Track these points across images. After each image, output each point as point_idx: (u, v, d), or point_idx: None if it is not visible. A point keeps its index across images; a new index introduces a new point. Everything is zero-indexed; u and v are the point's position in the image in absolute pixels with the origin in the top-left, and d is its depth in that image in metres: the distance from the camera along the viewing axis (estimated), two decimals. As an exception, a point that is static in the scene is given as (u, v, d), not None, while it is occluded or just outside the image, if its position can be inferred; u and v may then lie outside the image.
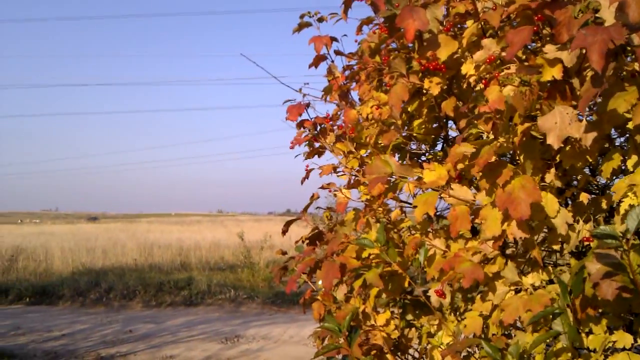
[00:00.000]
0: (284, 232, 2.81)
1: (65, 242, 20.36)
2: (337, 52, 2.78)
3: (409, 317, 2.44)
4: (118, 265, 16.44)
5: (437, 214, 2.64)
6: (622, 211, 1.51)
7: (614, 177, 1.81)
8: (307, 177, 2.69)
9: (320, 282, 2.61)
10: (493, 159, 1.65)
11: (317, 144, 2.73)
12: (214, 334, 9.10)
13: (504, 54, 1.65)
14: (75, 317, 10.87)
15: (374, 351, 2.36)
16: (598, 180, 2.09)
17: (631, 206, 1.45)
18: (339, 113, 2.76)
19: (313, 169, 2.61)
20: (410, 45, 2.03)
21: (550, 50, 1.45)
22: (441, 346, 2.04)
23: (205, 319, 10.59)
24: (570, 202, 1.89)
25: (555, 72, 1.46)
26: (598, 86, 1.31)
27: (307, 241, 2.71)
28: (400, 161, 2.51)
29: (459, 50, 1.90)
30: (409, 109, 2.21)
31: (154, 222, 48.05)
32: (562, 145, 1.48)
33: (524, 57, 1.68)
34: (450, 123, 2.42)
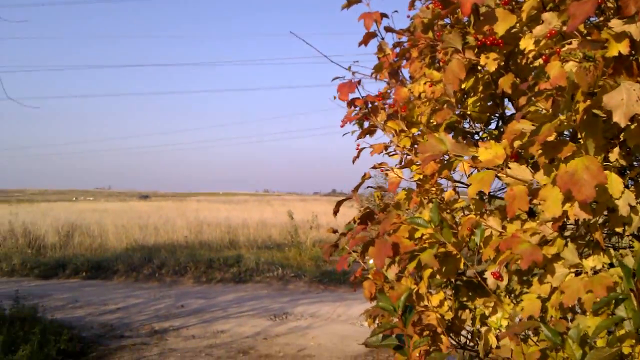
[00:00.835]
0: (335, 212, 2.80)
1: (119, 219, 21.02)
2: (388, 29, 2.73)
3: (463, 298, 2.41)
4: (169, 242, 16.89)
5: (491, 194, 2.58)
6: None
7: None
8: (358, 156, 2.67)
9: (371, 261, 2.61)
10: (553, 136, 1.59)
11: (367, 123, 2.71)
12: (262, 310, 9.27)
13: (565, 28, 1.58)
14: (129, 292, 11.26)
15: (427, 331, 2.35)
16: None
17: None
18: (389, 91, 2.72)
19: (364, 148, 2.59)
20: (466, 19, 1.97)
21: (616, 24, 1.38)
22: (500, 328, 2.01)
23: (254, 295, 10.79)
24: (632, 183, 1.81)
25: (622, 47, 1.39)
26: None
27: (358, 221, 2.70)
28: (454, 139, 2.47)
29: (517, 24, 1.83)
30: (463, 87, 2.16)
31: (202, 200, 49.04)
32: (629, 124, 1.42)
33: (585, 31, 1.61)
34: (506, 102, 2.35)
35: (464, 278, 2.39)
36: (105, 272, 13.38)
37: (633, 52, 1.45)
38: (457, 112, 2.36)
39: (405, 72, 2.70)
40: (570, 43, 1.52)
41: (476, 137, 2.55)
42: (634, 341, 1.55)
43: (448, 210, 2.37)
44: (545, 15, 1.60)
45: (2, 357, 5.89)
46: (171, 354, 6.74)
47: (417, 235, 2.22)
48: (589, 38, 1.51)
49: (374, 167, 2.48)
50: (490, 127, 2.55)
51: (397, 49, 2.70)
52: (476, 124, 2.50)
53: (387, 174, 2.42)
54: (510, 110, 2.38)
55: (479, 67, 2.08)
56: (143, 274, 13.07)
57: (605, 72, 1.45)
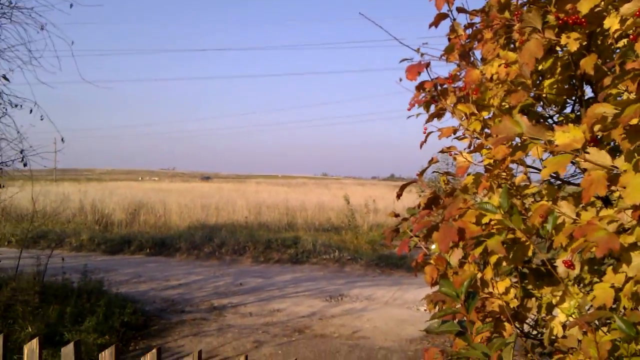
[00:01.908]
0: (399, 195, 2.78)
1: (182, 199, 21.65)
2: (460, 9, 2.66)
3: (529, 286, 2.35)
4: (230, 222, 17.28)
5: (564, 180, 2.50)
6: None
7: None
8: (425, 140, 2.64)
9: (434, 246, 2.58)
10: (637, 120, 1.52)
11: (433, 107, 2.66)
12: (318, 291, 9.36)
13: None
14: (190, 269, 11.61)
15: (490, 318, 2.31)
16: None
17: None
18: (458, 73, 2.66)
19: (432, 132, 2.55)
20: (547, -2, 1.90)
21: None
22: (572, 316, 1.95)
23: (310, 276, 10.90)
24: None
25: None
26: None
27: (423, 205, 2.67)
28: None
29: (602, 3, 1.75)
30: (539, 68, 2.08)
31: (262, 182, 49.80)
32: None
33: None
34: (586, 86, 2.26)
35: (532, 266, 2.33)
36: (168, 250, 13.84)
37: None
38: (532, 95, 2.28)
39: (477, 54, 2.63)
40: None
41: (550, 121, 2.47)
42: None
43: (518, 196, 2.31)
44: (637, -9, 1.52)
45: (70, 327, 6.21)
46: (229, 330, 6.93)
47: (485, 220, 2.18)
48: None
49: (442, 151, 2.44)
50: (565, 110, 2.46)
51: (469, 30, 2.63)
52: (551, 108, 2.42)
53: (455, 158, 2.38)
54: (588, 94, 2.28)
55: (558, 48, 2.01)
56: (204, 252, 13.44)
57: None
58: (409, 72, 2.42)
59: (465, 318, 1.89)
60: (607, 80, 1.59)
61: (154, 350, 2.46)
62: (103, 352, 2.51)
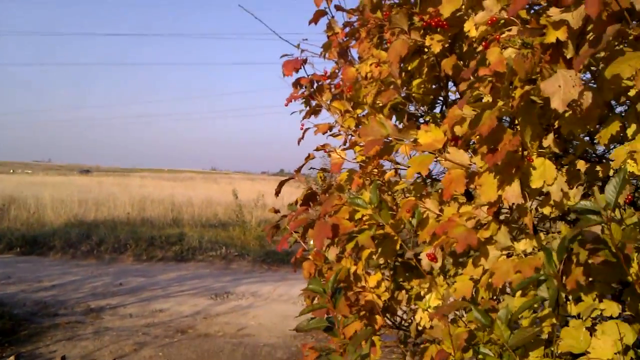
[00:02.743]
0: (277, 192, 2.78)
1: (58, 193, 20.32)
2: (338, 7, 2.70)
3: (400, 279, 2.44)
4: (110, 218, 16.45)
5: (433, 177, 2.62)
6: None
7: (612, 146, 1.79)
8: (302, 137, 2.65)
9: (312, 242, 2.60)
10: (494, 125, 1.61)
11: (313, 102, 2.68)
12: (204, 289, 9.18)
13: (505, 15, 1.60)
14: (66, 269, 10.92)
15: (364, 312, 2.37)
16: (596, 148, 2.06)
17: (631, 174, 1.43)
18: (337, 71, 2.70)
19: (309, 128, 2.57)
20: (413, 0, 1.97)
21: (554, 12, 1.40)
22: (428, 309, 2.05)
23: (195, 274, 10.66)
24: (564, 169, 1.87)
25: (560, 34, 1.41)
26: (596, 46, 1.27)
27: (301, 202, 2.69)
28: (397, 121, 2.48)
29: (463, 7, 1.84)
30: (409, 68, 2.16)
31: (147, 177, 47.98)
32: (566, 109, 1.45)
33: (529, 17, 1.63)
34: (451, 85, 2.37)
35: (401, 260, 2.42)
36: (41, 248, 12.91)
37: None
38: (402, 95, 2.36)
39: (355, 52, 2.69)
40: (510, 30, 1.54)
41: (421, 120, 2.57)
42: (554, 321, 1.61)
43: (389, 192, 2.38)
44: (487, 3, 1.61)
45: None
46: (107, 333, 6.60)
47: (358, 216, 2.23)
48: (528, 26, 1.53)
49: (317, 149, 2.46)
50: (435, 110, 2.57)
51: (348, 29, 2.68)
52: (421, 107, 2.52)
53: (330, 155, 2.41)
54: (454, 95, 2.40)
55: (425, 49, 2.09)
56: (81, 250, 12.69)
57: (542, 59, 1.48)
58: (285, 68, 2.42)
59: (332, 313, 1.92)
60: (462, 86, 1.67)
61: (12, 358, 2.27)
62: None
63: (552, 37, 1.41)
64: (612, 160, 1.58)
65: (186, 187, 28.51)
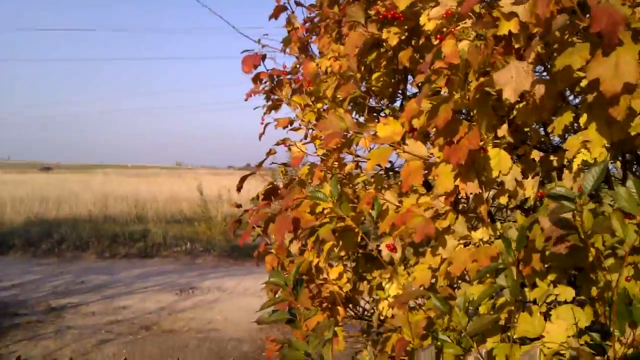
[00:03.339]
0: (239, 188, 2.78)
1: (17, 191, 19.77)
2: (297, 3, 2.70)
3: (361, 270, 2.47)
4: (72, 216, 16.10)
5: (395, 170, 2.65)
6: (575, 167, 1.54)
7: (566, 136, 1.84)
8: (263, 131, 2.65)
9: (274, 236, 2.61)
10: (450, 117, 1.64)
11: (274, 97, 2.68)
12: (168, 285, 9.09)
13: (460, 9, 1.62)
14: (26, 268, 10.66)
15: (326, 303, 2.39)
16: (551, 139, 2.12)
17: (584, 162, 1.48)
18: (298, 66, 2.70)
19: (269, 123, 2.57)
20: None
21: (506, 4, 1.43)
22: (388, 298, 2.07)
23: (160, 271, 10.54)
24: (519, 159, 1.91)
25: (512, 26, 1.44)
26: (545, 37, 1.31)
27: (262, 196, 2.69)
28: (357, 115, 2.50)
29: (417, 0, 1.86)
30: (367, 62, 2.18)
31: (110, 173, 46.97)
32: (519, 100, 1.48)
33: (483, 11, 1.66)
34: (410, 79, 2.40)
35: (363, 251, 2.44)
36: (0, 247, 12.58)
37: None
38: (363, 89, 2.38)
39: (315, 48, 2.69)
40: (466, 23, 1.57)
41: (382, 114, 2.59)
42: (513, 308, 1.65)
43: (350, 185, 2.40)
44: (442, -4, 1.63)
45: None
46: (69, 332, 6.48)
47: (319, 209, 2.24)
48: (483, 19, 1.56)
49: (278, 143, 2.47)
50: (396, 104, 2.60)
51: (308, 24, 2.68)
52: (382, 101, 2.54)
53: (290, 149, 2.42)
54: (414, 87, 2.43)
55: (383, 43, 2.11)
56: (41, 249, 12.41)
57: (495, 51, 1.51)
58: (245, 64, 2.42)
59: (294, 305, 1.92)
60: (419, 78, 1.70)
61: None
62: None
63: (504, 28, 1.44)
64: (567, 150, 1.62)
65: (150, 182, 28.05)
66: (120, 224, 15.25)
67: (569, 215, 1.41)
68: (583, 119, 1.56)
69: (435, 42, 1.83)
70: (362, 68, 2.29)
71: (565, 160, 1.73)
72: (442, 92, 1.74)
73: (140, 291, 8.66)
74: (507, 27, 1.43)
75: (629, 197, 1.28)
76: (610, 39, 1.17)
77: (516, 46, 1.44)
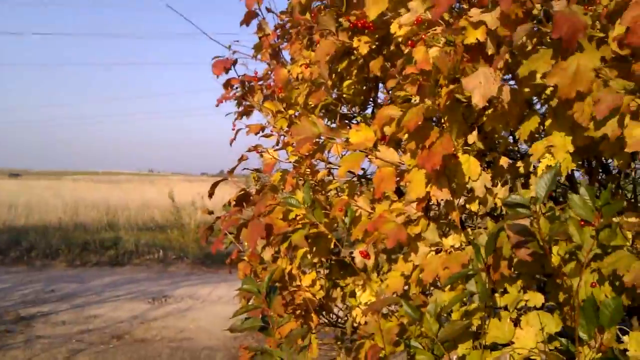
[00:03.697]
0: (210, 194, 2.76)
1: (-17, 199, 19.33)
2: (269, 10, 2.70)
3: (335, 277, 2.47)
4: (41, 223, 15.78)
5: (368, 177, 2.66)
6: (539, 172, 1.56)
7: (532, 142, 1.86)
8: (235, 138, 2.64)
9: (246, 243, 2.59)
10: (420, 121, 1.65)
11: (246, 103, 2.67)
12: (141, 294, 8.96)
13: (430, 15, 1.64)
14: (-7, 277, 10.42)
15: (299, 311, 2.38)
16: (519, 147, 2.15)
17: (548, 167, 1.50)
18: (270, 72, 2.70)
19: (241, 129, 2.56)
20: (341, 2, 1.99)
21: (475, 13, 1.45)
22: (360, 305, 2.08)
23: (132, 279, 10.39)
24: (489, 166, 1.93)
25: (479, 34, 1.46)
26: (512, 44, 1.34)
27: (234, 203, 2.67)
28: (329, 122, 2.50)
29: (388, 9, 1.88)
30: (338, 69, 2.18)
31: (80, 180, 46.22)
32: (487, 104, 1.50)
33: (451, 20, 1.68)
34: (382, 86, 2.41)
35: (336, 258, 2.44)
36: (-35, 256, 12.27)
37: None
38: (334, 96, 2.39)
39: (287, 54, 2.69)
40: (436, 30, 1.58)
41: (354, 121, 2.60)
42: (484, 314, 1.67)
43: (323, 192, 2.40)
44: (412, 4, 1.65)
45: None
46: (38, 341, 6.34)
47: (292, 216, 2.23)
48: (453, 27, 1.58)
49: (249, 150, 2.46)
50: (367, 111, 2.61)
51: (279, 31, 2.68)
52: (353, 108, 2.55)
53: (262, 155, 2.41)
54: (385, 94, 2.44)
55: (354, 51, 2.12)
56: (10, 257, 12.14)
57: (464, 57, 1.53)
58: (215, 68, 2.40)
59: (267, 313, 1.92)
60: (390, 83, 1.71)
61: None
62: None
63: (472, 36, 1.46)
64: (532, 155, 1.65)
65: (122, 189, 27.68)
66: (91, 232, 15.00)
67: (532, 221, 1.44)
68: (547, 124, 1.59)
69: (406, 50, 1.84)
70: (334, 75, 2.30)
71: (532, 166, 1.76)
72: (412, 100, 1.76)
73: (112, 300, 8.52)
74: (475, 35, 1.45)
75: (584, 203, 1.30)
76: (569, 43, 1.19)
77: (489, 52, 1.46)
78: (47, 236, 13.43)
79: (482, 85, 1.42)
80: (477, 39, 1.45)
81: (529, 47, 1.44)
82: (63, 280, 10.11)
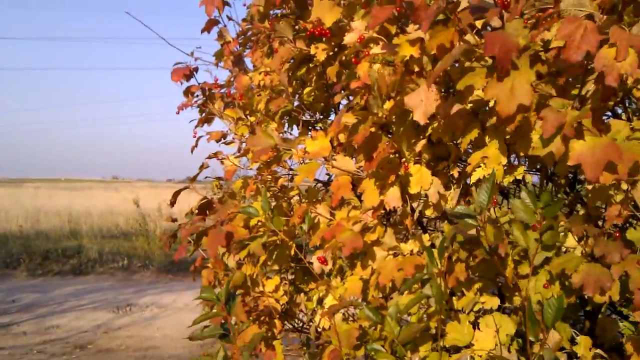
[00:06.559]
0: (172, 203, 2.75)
1: (-62, 208, 18.71)
2: (229, 18, 2.72)
3: (298, 283, 2.49)
4: (1, 232, 15.37)
5: (330, 182, 2.69)
6: (473, 180, 1.60)
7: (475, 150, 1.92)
8: (196, 145, 2.64)
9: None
10: (370, 131, 1.68)
11: (207, 111, 2.68)
12: (104, 303, 8.81)
13: (371, 32, 1.67)
14: (-49, 288, 10.10)
15: (263, 317, 2.39)
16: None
17: (484, 177, 1.54)
18: (232, 79, 2.71)
19: (202, 136, 2.56)
20: (299, 12, 2.02)
21: (412, 30, 1.49)
22: (316, 309, 2.10)
23: (95, 288, 10.21)
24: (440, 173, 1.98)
25: (414, 51, 1.50)
26: (446, 63, 1.37)
27: (197, 211, 2.67)
28: (290, 128, 2.52)
29: (343, 16, 1.91)
30: (299, 76, 2.21)
31: (41, 187, 45.06)
32: (429, 120, 1.54)
33: (397, 31, 1.71)
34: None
35: (299, 264, 2.47)
36: None
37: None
38: (296, 103, 2.41)
39: (249, 62, 2.71)
40: (378, 44, 1.62)
41: (317, 127, 2.63)
42: (442, 317, 1.71)
43: (285, 198, 2.42)
44: (354, 24, 1.69)
45: None
46: (-3, 354, 6.19)
47: (253, 223, 2.25)
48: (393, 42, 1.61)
49: (210, 157, 2.46)
50: (331, 117, 2.64)
51: (241, 38, 2.70)
52: (316, 114, 2.58)
53: (223, 162, 2.42)
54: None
55: (313, 58, 2.15)
56: (-33, 268, 11.80)
57: (406, 74, 1.56)
58: (174, 74, 2.41)
59: (228, 320, 1.92)
60: (337, 98, 1.74)
61: None
62: None
63: (406, 52, 1.49)
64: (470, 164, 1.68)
65: (85, 196, 27.12)
66: (52, 240, 14.66)
67: (478, 230, 1.48)
68: (487, 136, 1.64)
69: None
70: (294, 82, 2.33)
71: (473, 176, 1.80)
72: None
73: (75, 309, 8.36)
74: (409, 51, 1.49)
75: (525, 207, 1.35)
76: (503, 65, 1.23)
77: (427, 68, 1.50)
78: (7, 245, 13.10)
79: (423, 103, 1.46)
80: (411, 55, 1.48)
81: (467, 64, 1.47)
82: (24, 290, 9.87)
